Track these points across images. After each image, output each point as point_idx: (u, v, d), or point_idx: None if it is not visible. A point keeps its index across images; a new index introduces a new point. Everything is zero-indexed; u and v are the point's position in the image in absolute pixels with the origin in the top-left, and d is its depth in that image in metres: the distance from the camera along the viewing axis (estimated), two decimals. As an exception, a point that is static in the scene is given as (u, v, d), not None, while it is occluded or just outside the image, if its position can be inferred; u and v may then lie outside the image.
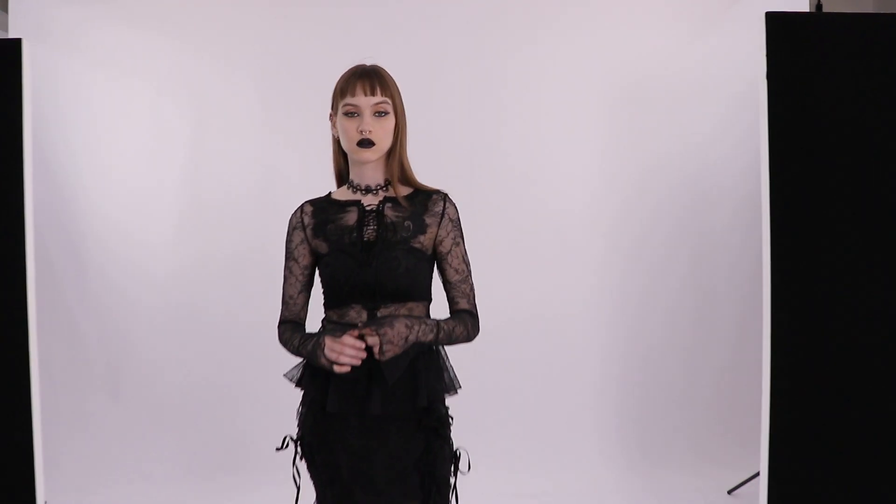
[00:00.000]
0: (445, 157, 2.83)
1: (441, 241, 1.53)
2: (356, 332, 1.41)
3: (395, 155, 1.53)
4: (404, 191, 1.54)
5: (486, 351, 2.15)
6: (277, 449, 1.48)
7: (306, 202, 1.55)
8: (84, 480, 2.80)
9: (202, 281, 3.04)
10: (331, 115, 1.55)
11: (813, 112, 2.01)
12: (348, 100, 1.49)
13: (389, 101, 1.51)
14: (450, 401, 1.44)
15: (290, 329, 1.52)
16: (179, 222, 3.07)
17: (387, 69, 1.57)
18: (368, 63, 1.58)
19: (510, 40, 2.96)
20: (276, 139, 3.05)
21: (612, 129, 2.95)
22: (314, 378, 1.48)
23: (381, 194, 1.52)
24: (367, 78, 1.53)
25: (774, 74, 2.00)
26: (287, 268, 1.56)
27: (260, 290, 2.78)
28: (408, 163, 1.56)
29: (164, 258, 3.06)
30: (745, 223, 2.83)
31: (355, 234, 1.48)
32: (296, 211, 1.55)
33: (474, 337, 1.56)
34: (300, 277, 1.54)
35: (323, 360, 1.42)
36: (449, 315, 1.54)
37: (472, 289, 1.59)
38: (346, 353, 1.40)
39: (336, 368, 1.41)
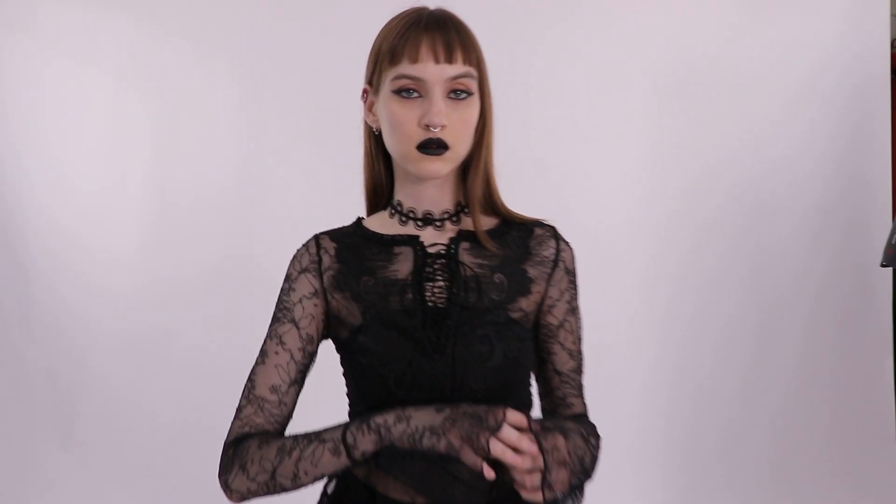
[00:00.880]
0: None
1: (551, 307, 1.05)
2: (531, 434, 0.90)
3: (479, 165, 1.05)
4: (488, 222, 1.08)
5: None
6: None
7: (322, 234, 1.08)
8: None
9: (172, 301, 2.81)
10: (365, 92, 1.07)
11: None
12: (405, 68, 0.99)
13: (475, 73, 1.02)
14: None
15: (267, 441, 0.97)
16: (145, 232, 2.83)
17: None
18: (433, 6, 1.10)
19: (536, 22, 2.71)
20: (258, 136, 2.80)
21: (656, 130, 2.75)
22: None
23: (451, 228, 1.06)
24: (441, 32, 1.02)
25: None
26: (275, 335, 1.03)
27: (242, 313, 2.57)
28: (495, 179, 1.08)
29: (127, 274, 2.82)
30: (811, 235, 2.59)
31: (411, 296, 1.00)
32: (306, 244, 1.07)
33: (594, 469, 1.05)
34: (297, 356, 1.01)
35: (459, 449, 0.89)
36: None
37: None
38: (523, 450, 0.89)
39: (487, 473, 0.87)
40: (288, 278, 1.06)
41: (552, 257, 1.06)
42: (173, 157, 2.85)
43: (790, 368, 2.75)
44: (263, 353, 1.02)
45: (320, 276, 1.03)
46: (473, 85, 1.01)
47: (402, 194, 1.06)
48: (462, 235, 1.05)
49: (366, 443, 0.91)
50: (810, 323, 2.69)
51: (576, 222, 2.68)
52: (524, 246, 1.06)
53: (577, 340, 1.10)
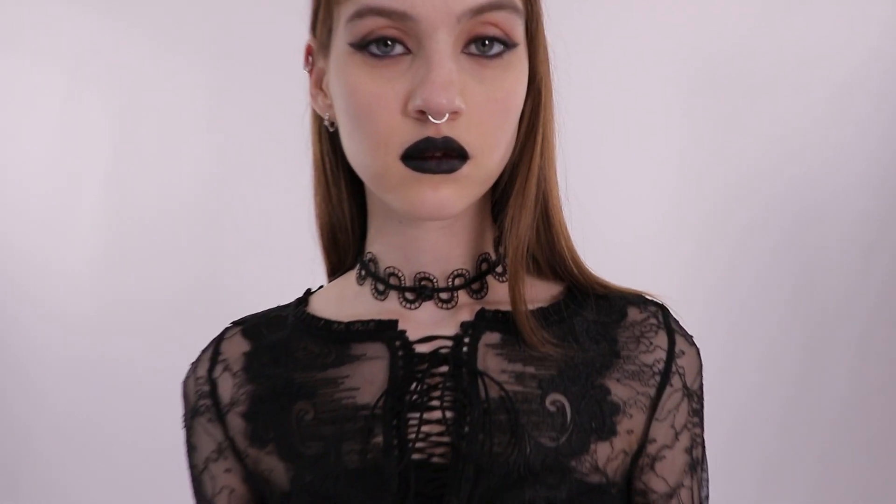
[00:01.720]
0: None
1: (656, 460, 0.66)
2: None
3: (529, 188, 0.68)
4: (542, 292, 0.71)
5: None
6: None
7: (234, 325, 0.75)
8: None
9: (132, 325, 2.68)
10: (308, 54, 0.70)
11: None
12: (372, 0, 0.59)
13: (520, 4, 0.64)
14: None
15: None
16: (102, 248, 2.71)
17: None
18: None
19: (548, 15, 2.64)
20: (231, 141, 2.67)
21: (686, 131, 2.59)
22: None
23: (467, 304, 0.69)
24: None
25: None
26: None
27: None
28: (561, 213, 0.72)
29: (82, 294, 2.70)
30: (863, 246, 2.45)
31: (382, 440, 0.62)
32: (199, 356, 0.75)
33: None
34: None
35: None
36: None
37: None
38: None
39: None
40: (184, 421, 0.71)
41: (660, 366, 0.66)
42: (134, 164, 2.71)
43: (840, 395, 2.57)
44: None
45: (220, 418, 0.68)
46: (517, 29, 0.62)
47: (379, 243, 0.70)
48: (486, 319, 0.66)
49: None
50: (863, 344, 2.51)
51: (597, 235, 2.63)
52: (607, 340, 0.67)
53: None
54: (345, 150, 0.67)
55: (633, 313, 0.70)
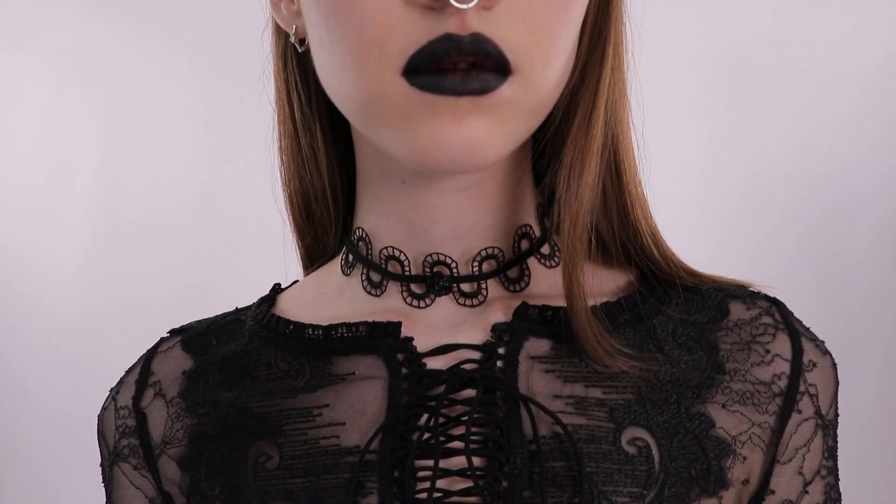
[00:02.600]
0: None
1: None
2: None
3: (592, 132, 0.48)
4: (607, 282, 0.52)
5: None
6: None
7: (172, 335, 0.58)
8: None
9: (122, 324, 2.63)
10: None
11: None
12: None
13: None
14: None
15: None
16: (91, 247, 2.67)
17: None
18: None
19: None
20: (225, 140, 2.58)
21: (706, 126, 2.50)
22: None
23: (500, 297, 0.50)
24: None
25: None
26: None
27: None
28: (636, 170, 0.55)
29: (71, 293, 2.67)
30: (892, 248, 2.41)
31: (378, 500, 0.41)
32: (116, 390, 0.58)
33: None
34: None
35: None
36: None
37: None
38: None
39: None
40: (102, 472, 0.55)
41: (782, 383, 0.49)
42: (124, 163, 2.66)
43: (867, 401, 2.47)
44: None
45: (150, 464, 0.51)
46: None
47: (373, 216, 0.52)
48: (528, 320, 0.48)
49: None
50: (890, 348, 2.44)
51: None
52: (704, 349, 0.49)
53: None
54: (320, 76, 0.48)
55: (738, 310, 0.51)
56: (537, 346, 0.48)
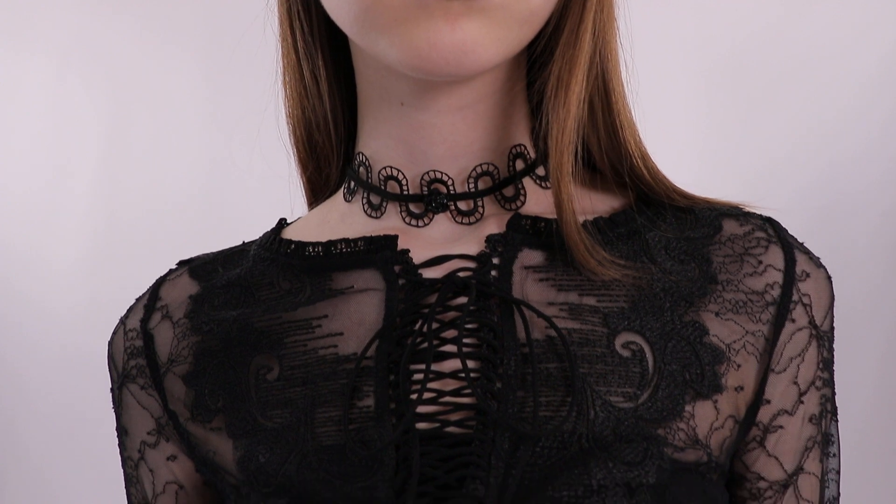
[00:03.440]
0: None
1: (769, 431, 0.45)
2: None
3: (579, 55, 0.48)
4: (601, 201, 0.52)
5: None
6: None
7: (181, 265, 0.61)
8: None
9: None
10: None
11: None
12: None
13: None
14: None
15: None
16: (91, 244, 2.67)
17: None
18: None
19: None
20: (228, 135, 2.35)
21: (704, 123, 2.51)
22: None
23: (495, 213, 0.50)
24: None
25: None
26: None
27: None
28: (624, 92, 0.55)
29: (70, 291, 2.66)
30: (891, 245, 2.41)
31: (373, 405, 0.41)
32: (126, 316, 0.59)
33: None
34: None
35: None
36: None
37: None
38: None
39: None
40: (112, 396, 0.56)
41: (775, 292, 0.48)
42: (124, 159, 2.64)
43: (867, 398, 2.48)
44: None
45: (157, 383, 0.52)
46: None
47: (374, 140, 0.53)
48: (522, 231, 0.49)
49: None
50: (891, 344, 2.46)
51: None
52: (697, 260, 0.49)
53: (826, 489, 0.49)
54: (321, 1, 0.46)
55: (731, 226, 0.51)
56: (531, 256, 0.50)
